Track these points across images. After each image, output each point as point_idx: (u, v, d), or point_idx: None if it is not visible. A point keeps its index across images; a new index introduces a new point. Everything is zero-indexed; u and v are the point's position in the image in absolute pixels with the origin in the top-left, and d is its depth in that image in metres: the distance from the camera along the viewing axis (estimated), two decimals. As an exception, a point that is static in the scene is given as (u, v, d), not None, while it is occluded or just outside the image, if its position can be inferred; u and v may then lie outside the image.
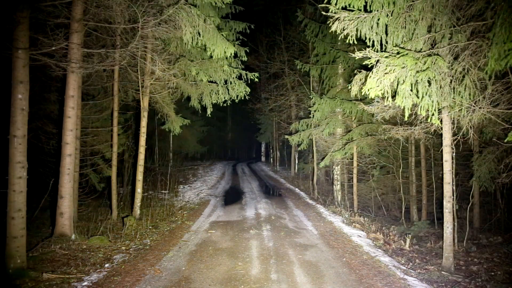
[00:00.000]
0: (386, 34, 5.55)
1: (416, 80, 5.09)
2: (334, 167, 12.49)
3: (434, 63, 5.08)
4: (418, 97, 5.18)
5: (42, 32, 5.50)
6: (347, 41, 5.50)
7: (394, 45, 5.46)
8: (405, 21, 5.42)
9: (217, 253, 6.08)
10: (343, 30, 5.43)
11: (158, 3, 6.86)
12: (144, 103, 8.66)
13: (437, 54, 5.19)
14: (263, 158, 37.13)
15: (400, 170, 10.36)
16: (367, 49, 5.15)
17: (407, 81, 5.03)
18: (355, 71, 5.92)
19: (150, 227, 7.96)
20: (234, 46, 8.37)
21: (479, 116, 5.63)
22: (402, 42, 5.48)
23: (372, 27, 5.41)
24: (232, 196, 13.04)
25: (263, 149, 37.38)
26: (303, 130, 12.15)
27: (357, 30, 5.43)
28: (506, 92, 5.53)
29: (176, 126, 10.15)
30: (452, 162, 6.11)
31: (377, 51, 5.28)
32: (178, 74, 8.86)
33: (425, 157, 10.60)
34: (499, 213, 9.25)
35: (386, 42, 5.60)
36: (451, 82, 5.39)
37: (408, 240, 7.19)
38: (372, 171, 11.48)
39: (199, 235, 7.26)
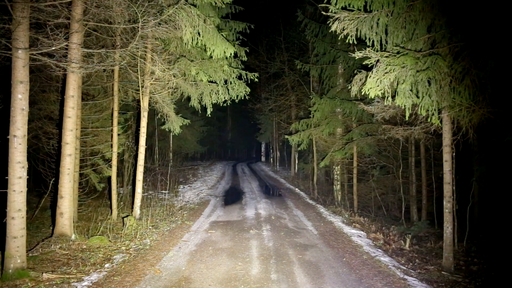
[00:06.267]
0: (386, 34, 5.55)
1: (416, 80, 5.09)
2: (334, 167, 12.49)
3: (434, 62, 5.08)
4: (418, 97, 5.18)
5: (42, 32, 5.49)
6: (347, 41, 5.50)
7: (394, 45, 5.46)
8: (405, 21, 5.42)
9: (217, 253, 6.07)
10: (343, 30, 5.43)
11: (158, 3, 6.86)
12: (144, 103, 8.66)
13: (437, 54, 5.18)
14: (263, 158, 37.11)
15: (400, 170, 10.37)
16: (367, 49, 5.15)
17: (407, 81, 5.03)
18: (355, 71, 5.93)
19: (150, 227, 7.96)
20: (234, 46, 8.37)
21: (479, 116, 5.63)
22: (402, 42, 5.48)
23: (372, 27, 5.42)
24: (232, 196, 13.03)
25: (263, 149, 37.37)
26: (303, 130, 12.15)
27: (357, 30, 5.43)
28: (506, 92, 5.52)
29: (176, 126, 10.13)
30: (452, 162, 6.11)
31: (377, 51, 5.28)
32: (178, 74, 8.85)
33: (425, 157, 10.59)
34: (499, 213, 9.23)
35: (386, 42, 5.60)
36: (451, 82, 5.39)
37: (408, 240, 7.19)
38: (372, 171, 11.48)
39: (199, 235, 7.26)
